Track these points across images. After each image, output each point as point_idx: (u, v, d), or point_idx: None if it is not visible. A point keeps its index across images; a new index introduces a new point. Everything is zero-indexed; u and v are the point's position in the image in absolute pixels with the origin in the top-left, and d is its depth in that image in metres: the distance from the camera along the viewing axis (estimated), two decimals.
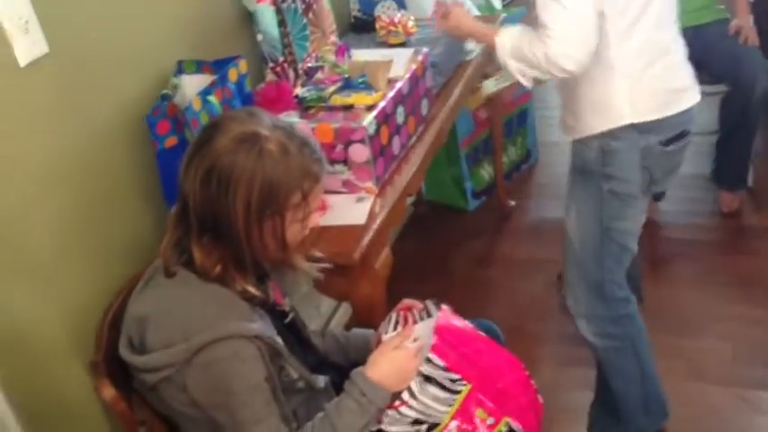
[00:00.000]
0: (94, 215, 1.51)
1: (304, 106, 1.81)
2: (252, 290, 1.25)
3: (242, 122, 1.22)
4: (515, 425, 1.39)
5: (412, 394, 1.29)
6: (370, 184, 1.73)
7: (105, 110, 1.53)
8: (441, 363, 1.31)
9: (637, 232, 1.81)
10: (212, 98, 1.62)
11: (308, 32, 2.08)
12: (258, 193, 1.18)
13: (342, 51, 1.94)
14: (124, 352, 1.25)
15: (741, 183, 2.89)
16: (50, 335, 1.46)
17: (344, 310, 2.58)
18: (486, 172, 3.23)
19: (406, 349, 1.32)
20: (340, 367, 1.51)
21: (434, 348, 1.32)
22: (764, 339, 2.32)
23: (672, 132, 1.67)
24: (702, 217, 2.92)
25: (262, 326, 1.23)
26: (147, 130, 1.57)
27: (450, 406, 1.33)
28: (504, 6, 2.89)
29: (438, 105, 2.11)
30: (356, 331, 1.59)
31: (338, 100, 1.79)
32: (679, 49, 1.70)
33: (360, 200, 1.73)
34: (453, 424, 1.33)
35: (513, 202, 3.17)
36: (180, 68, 1.70)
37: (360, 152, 1.69)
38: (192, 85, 1.66)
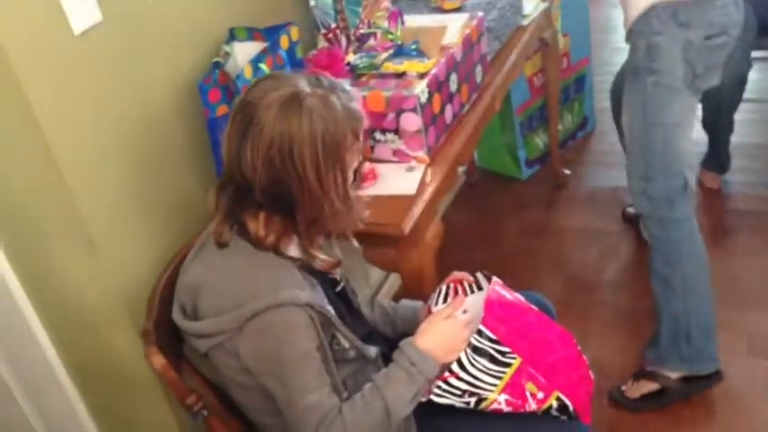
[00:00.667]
0: (147, 183, 1.52)
1: (356, 74, 1.78)
2: (315, 254, 1.27)
3: (274, 89, 1.20)
4: (566, 399, 1.37)
5: (461, 366, 1.29)
6: (421, 154, 1.71)
7: (158, 78, 1.54)
8: (491, 335, 1.30)
9: (686, 132, 1.87)
10: (263, 66, 1.61)
11: None
12: (322, 148, 1.19)
13: (394, 17, 1.91)
14: (177, 318, 1.27)
15: None
16: (104, 302, 1.49)
17: (394, 281, 2.57)
18: (540, 140, 3.16)
19: (456, 319, 1.31)
20: (387, 338, 1.50)
21: (485, 321, 1.30)
22: None
23: (712, 30, 1.76)
24: (767, 188, 2.81)
25: (313, 294, 1.24)
26: (200, 98, 1.57)
27: (499, 379, 1.32)
28: None
29: (493, 72, 2.06)
30: (404, 302, 1.58)
31: (390, 67, 1.76)
32: None
33: (410, 169, 1.70)
34: (503, 397, 1.32)
35: (567, 171, 3.10)
36: (232, 36, 1.69)
37: (411, 121, 1.66)
38: (243, 53, 1.65)
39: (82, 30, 1.35)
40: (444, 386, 1.30)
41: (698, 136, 2.28)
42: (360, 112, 1.26)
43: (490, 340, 1.30)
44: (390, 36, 1.88)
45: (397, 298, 2.01)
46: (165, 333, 1.29)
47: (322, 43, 1.96)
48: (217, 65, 1.61)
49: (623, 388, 2.06)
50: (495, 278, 1.46)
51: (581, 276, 2.57)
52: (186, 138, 1.61)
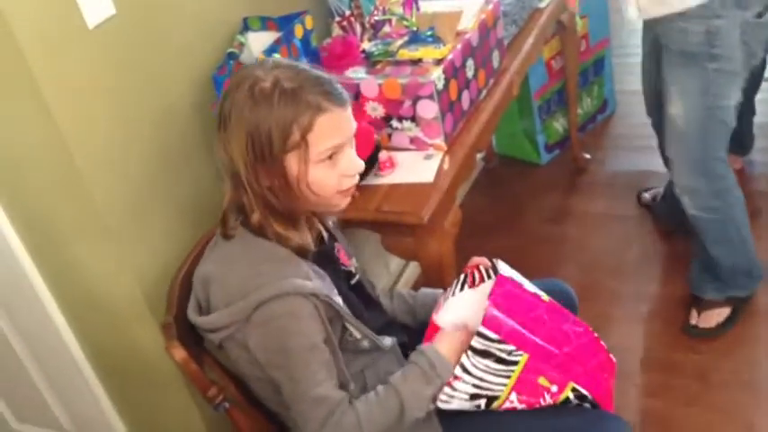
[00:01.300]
0: (163, 176, 1.52)
1: (371, 61, 1.77)
2: (296, 239, 1.21)
3: (248, 68, 1.20)
4: (582, 389, 1.34)
5: (464, 369, 1.26)
6: (438, 141, 1.69)
7: (173, 70, 1.53)
8: (494, 335, 1.26)
9: (736, 107, 1.91)
10: (278, 55, 1.60)
11: None
12: (249, 138, 1.14)
13: (409, 3, 1.89)
14: (191, 314, 1.27)
15: None
16: (125, 294, 1.50)
17: (413, 269, 2.56)
18: (559, 124, 3.12)
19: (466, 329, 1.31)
20: (408, 328, 1.49)
21: (486, 321, 1.27)
22: None
23: (761, 6, 1.76)
24: None
25: (319, 284, 1.22)
26: (214, 90, 1.57)
27: (508, 378, 1.29)
28: None
29: (510, 57, 2.03)
30: (424, 291, 1.57)
31: (405, 54, 1.74)
32: None
33: (428, 157, 1.69)
34: (514, 395, 1.30)
35: (587, 155, 3.06)
36: (245, 25, 1.68)
37: (428, 108, 1.65)
38: (257, 43, 1.64)
39: (96, 23, 1.35)
40: (449, 391, 1.27)
41: None
42: (319, 107, 1.15)
43: (493, 340, 1.26)
44: (405, 22, 1.86)
45: (416, 286, 2.00)
46: (186, 325, 1.29)
47: (336, 31, 1.94)
48: (231, 56, 1.60)
49: (694, 323, 2.16)
50: (501, 266, 1.43)
51: (602, 261, 2.54)
52: (202, 130, 1.61)
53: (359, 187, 1.30)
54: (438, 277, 1.62)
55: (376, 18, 1.96)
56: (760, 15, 1.75)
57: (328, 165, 1.19)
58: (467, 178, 2.27)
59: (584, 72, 3.10)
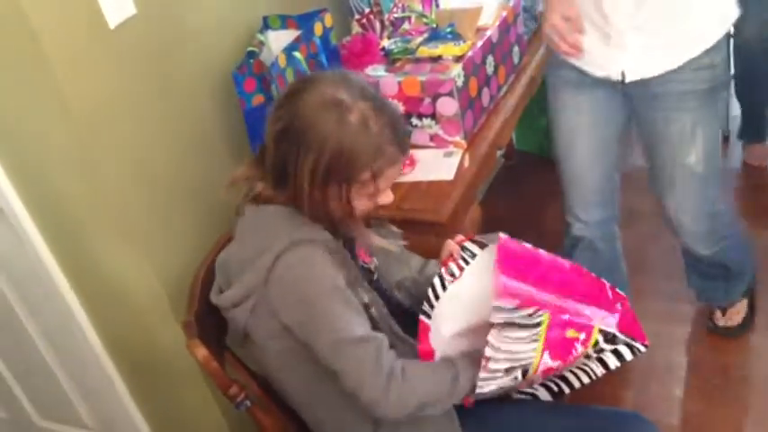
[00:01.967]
0: (185, 174, 1.53)
1: (390, 59, 1.76)
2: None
3: (331, 85, 1.19)
4: (608, 329, 1.32)
5: (493, 347, 1.25)
6: (458, 139, 1.69)
7: (193, 69, 1.54)
8: (510, 305, 1.24)
9: None
10: (297, 54, 1.60)
11: None
12: (327, 160, 1.16)
13: (429, 0, 1.88)
14: (213, 296, 1.27)
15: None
16: (147, 292, 1.51)
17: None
18: None
19: None
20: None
21: (501, 293, 1.25)
22: None
23: None
24: None
25: (335, 245, 1.22)
26: (235, 88, 1.57)
27: (535, 341, 1.27)
28: None
29: (530, 53, 2.02)
30: (433, 262, 1.54)
31: (425, 51, 1.73)
32: None
33: (448, 154, 1.68)
34: (546, 356, 1.28)
35: None
36: (265, 24, 1.68)
37: (448, 105, 1.64)
38: (277, 41, 1.64)
39: (117, 23, 1.36)
40: (485, 375, 1.26)
41: None
42: (393, 158, 1.20)
43: (511, 310, 1.24)
44: (425, 19, 1.86)
45: None
46: (208, 323, 1.29)
47: (356, 29, 1.94)
48: (251, 54, 1.60)
49: (720, 323, 2.14)
50: (489, 237, 1.39)
51: (625, 258, 2.51)
52: (223, 127, 1.61)
53: None
54: None
55: (395, 15, 1.95)
56: None
57: (371, 196, 1.24)
58: (487, 176, 2.26)
59: None
